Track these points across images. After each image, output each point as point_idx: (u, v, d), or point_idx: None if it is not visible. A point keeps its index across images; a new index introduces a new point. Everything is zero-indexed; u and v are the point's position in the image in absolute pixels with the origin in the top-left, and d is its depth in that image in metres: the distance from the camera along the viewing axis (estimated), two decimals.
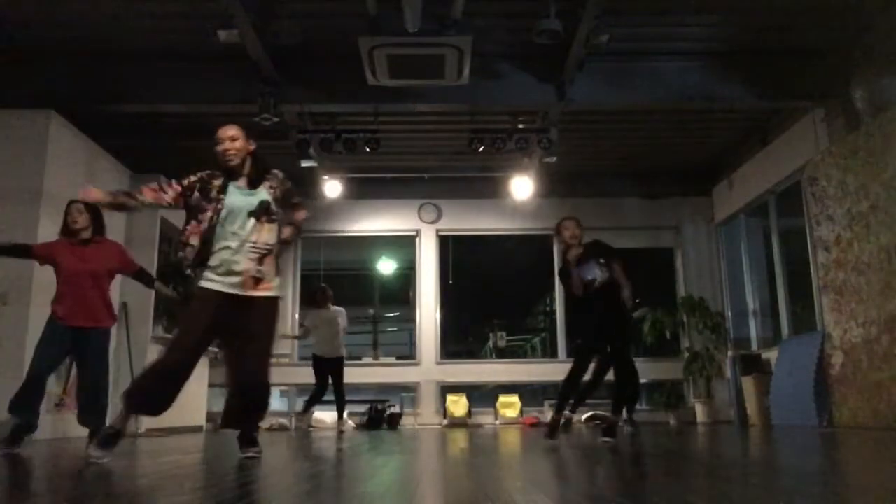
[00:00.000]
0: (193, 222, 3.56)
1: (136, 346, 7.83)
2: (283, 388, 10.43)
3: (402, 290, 11.52)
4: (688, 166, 10.33)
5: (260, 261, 3.53)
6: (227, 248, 3.49)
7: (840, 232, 7.01)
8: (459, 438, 6.04)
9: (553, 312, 10.77)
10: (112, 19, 6.38)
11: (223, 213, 3.53)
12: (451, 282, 10.74)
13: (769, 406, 8.04)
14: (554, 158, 8.60)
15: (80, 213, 4.65)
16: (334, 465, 3.35)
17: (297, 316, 10.43)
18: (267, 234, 3.59)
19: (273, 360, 3.71)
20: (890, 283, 6.24)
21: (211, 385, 9.78)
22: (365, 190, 10.41)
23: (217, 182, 3.61)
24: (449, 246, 10.84)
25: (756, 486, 2.25)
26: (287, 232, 3.75)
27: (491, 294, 11.23)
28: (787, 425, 7.51)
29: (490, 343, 11.24)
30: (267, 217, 3.60)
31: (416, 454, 3.93)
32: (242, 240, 3.52)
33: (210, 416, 9.81)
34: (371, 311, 11.81)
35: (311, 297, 8.57)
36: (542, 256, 10.79)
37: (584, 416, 9.70)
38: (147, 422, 7.78)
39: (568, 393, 5.13)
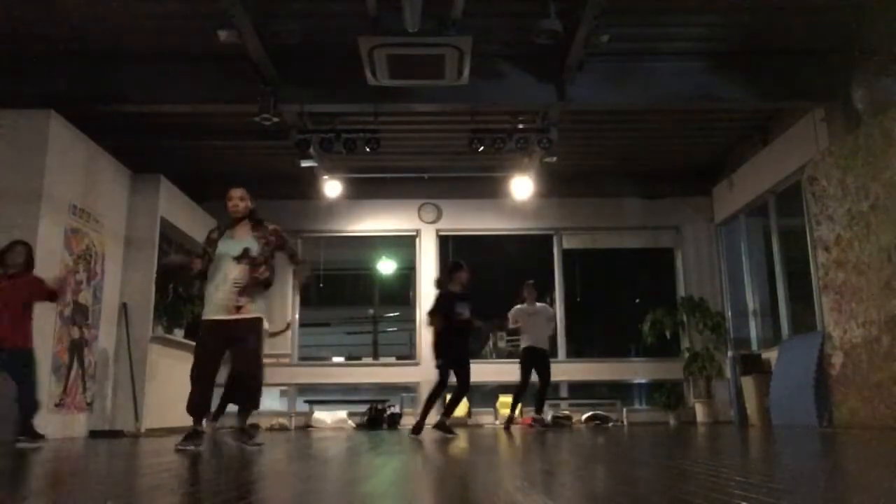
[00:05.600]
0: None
1: (136, 346, 7.82)
2: (283, 387, 10.43)
3: (402, 291, 11.51)
4: (688, 166, 10.33)
5: (240, 294, 4.42)
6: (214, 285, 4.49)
7: (840, 232, 7.00)
8: (459, 438, 6.04)
9: None
10: (112, 19, 6.39)
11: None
12: None
13: (769, 406, 8.04)
14: (554, 158, 8.60)
15: None
16: (334, 465, 3.36)
17: (297, 316, 10.44)
18: (244, 274, 4.45)
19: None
20: (890, 283, 6.24)
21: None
22: (365, 190, 10.41)
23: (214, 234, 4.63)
24: (449, 246, 10.84)
25: (756, 486, 2.25)
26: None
27: (490, 294, 11.20)
28: (787, 425, 7.51)
29: (490, 343, 11.23)
30: (248, 260, 4.47)
31: (415, 454, 3.93)
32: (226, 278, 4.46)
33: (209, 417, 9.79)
34: (371, 311, 11.80)
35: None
36: (542, 256, 10.78)
37: (585, 416, 9.72)
38: (147, 422, 7.79)
39: (434, 401, 6.66)
